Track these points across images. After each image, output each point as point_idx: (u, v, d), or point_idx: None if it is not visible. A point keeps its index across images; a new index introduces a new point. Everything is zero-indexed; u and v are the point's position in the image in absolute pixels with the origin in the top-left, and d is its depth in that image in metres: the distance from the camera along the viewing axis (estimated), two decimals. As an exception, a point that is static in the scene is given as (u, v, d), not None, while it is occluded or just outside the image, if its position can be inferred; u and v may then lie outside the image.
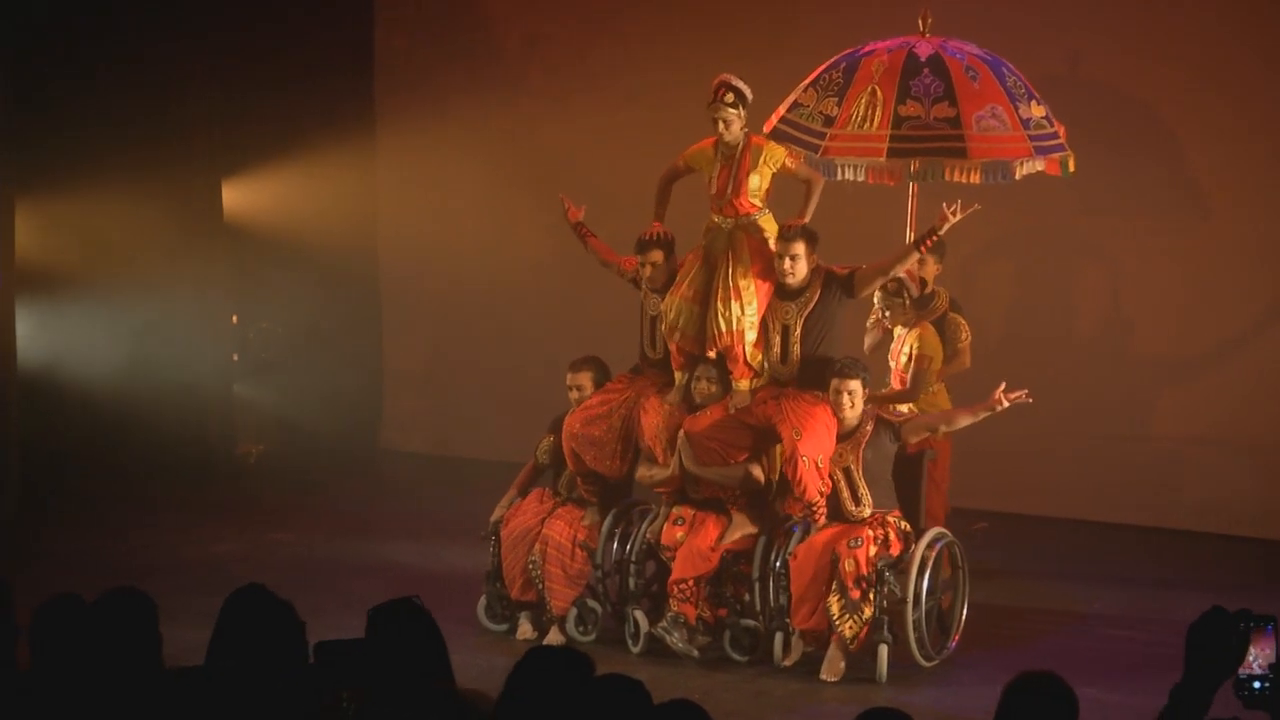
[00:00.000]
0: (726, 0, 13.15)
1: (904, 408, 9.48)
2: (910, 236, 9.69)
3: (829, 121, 9.48)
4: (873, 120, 9.37)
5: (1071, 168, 9.75)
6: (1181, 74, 11.74)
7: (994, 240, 11.84)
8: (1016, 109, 9.45)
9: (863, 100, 9.42)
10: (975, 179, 9.56)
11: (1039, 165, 9.59)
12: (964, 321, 9.94)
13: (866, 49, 9.70)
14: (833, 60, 9.78)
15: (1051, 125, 9.65)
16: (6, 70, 12.13)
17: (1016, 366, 11.01)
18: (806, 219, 9.05)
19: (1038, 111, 9.58)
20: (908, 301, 9.68)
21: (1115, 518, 11.94)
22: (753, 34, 12.68)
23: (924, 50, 9.53)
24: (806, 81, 9.72)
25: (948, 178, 9.61)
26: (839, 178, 9.63)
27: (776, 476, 9.10)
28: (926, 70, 9.41)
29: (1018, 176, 9.59)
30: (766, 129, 9.60)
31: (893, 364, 9.73)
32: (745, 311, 9.07)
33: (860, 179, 9.72)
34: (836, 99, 9.52)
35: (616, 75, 13.60)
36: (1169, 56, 11.78)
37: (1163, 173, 11.87)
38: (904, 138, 9.36)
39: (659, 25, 13.48)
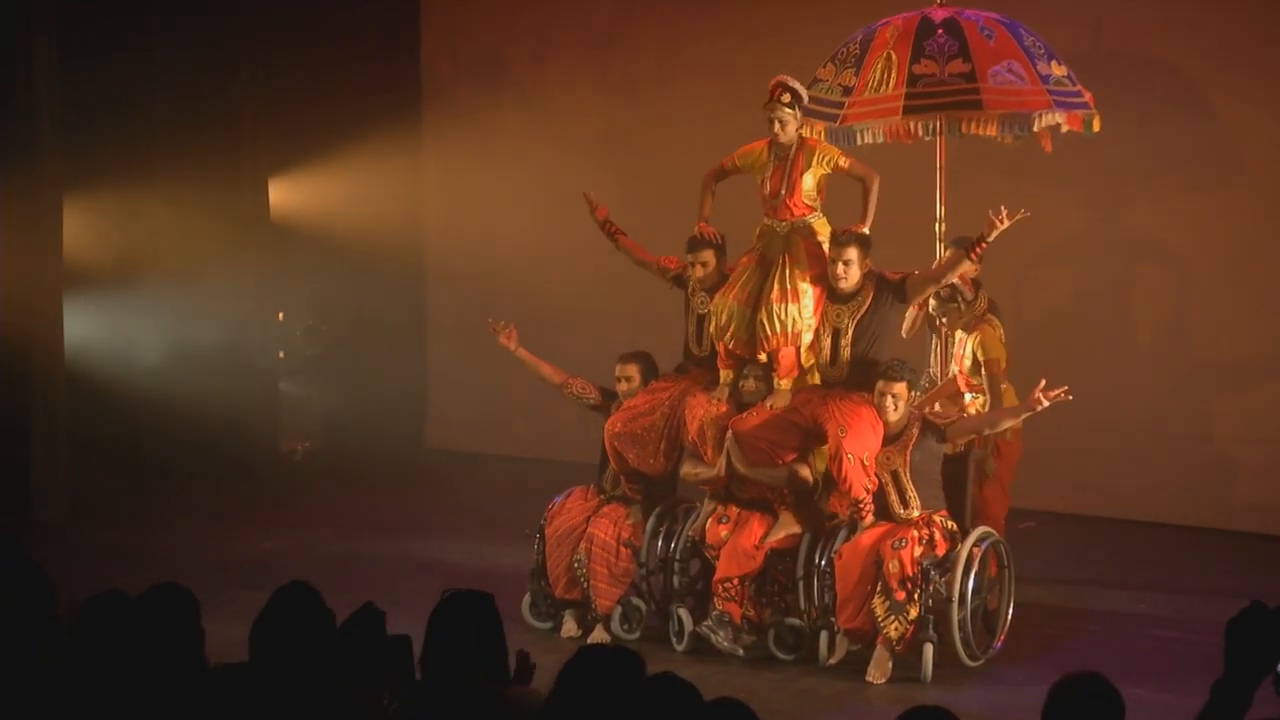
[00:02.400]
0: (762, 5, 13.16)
1: (973, 407, 9.50)
2: (941, 211, 9.62)
3: (847, 91, 9.49)
4: (889, 82, 9.37)
5: (1096, 127, 9.65)
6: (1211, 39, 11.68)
7: (1047, 240, 11.77)
8: (1035, 65, 9.39)
9: (879, 66, 9.42)
10: (992, 130, 9.53)
11: (1059, 118, 9.50)
12: (1000, 324, 9.86)
13: (881, 22, 9.71)
14: (850, 36, 9.76)
15: (1074, 84, 9.57)
16: (56, 70, 12.21)
17: (1067, 366, 10.99)
18: (869, 219, 9.02)
19: (1058, 70, 9.50)
20: (962, 306, 9.68)
21: (1164, 518, 11.88)
22: (797, 39, 12.67)
23: (938, 15, 9.55)
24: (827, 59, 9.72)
25: (964, 131, 9.58)
26: (858, 142, 9.61)
27: (822, 475, 9.08)
28: (941, 30, 9.41)
29: (1036, 129, 9.51)
30: None
31: (955, 368, 9.73)
32: (802, 315, 9.05)
33: (879, 140, 9.71)
34: (854, 69, 9.51)
35: (662, 74, 13.61)
36: (1195, 22, 11.70)
37: (1200, 143, 11.78)
38: (919, 95, 9.33)
39: (696, 25, 13.48)
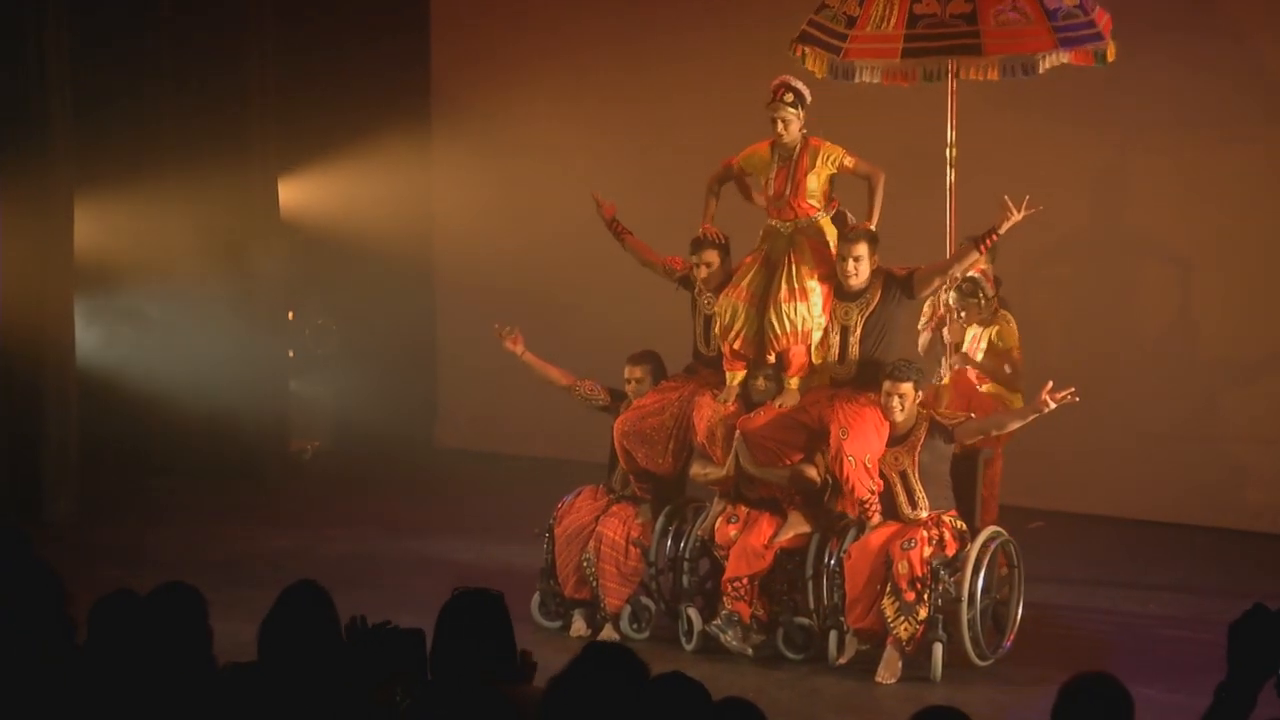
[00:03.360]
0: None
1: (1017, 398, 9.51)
2: (951, 136, 9.52)
3: (851, 22, 9.29)
4: (890, 20, 9.17)
5: (1110, 57, 9.38)
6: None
7: (1053, 235, 11.74)
8: (1043, 0, 9.16)
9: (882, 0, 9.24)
10: (994, 75, 9.37)
11: (1063, 58, 9.29)
12: (1012, 319, 9.84)
13: None
14: None
15: (1086, 14, 9.26)
16: (66, 70, 12.22)
17: (1075, 364, 10.97)
18: (875, 217, 9.01)
19: (1068, 1, 9.24)
20: (983, 301, 9.67)
21: (1174, 518, 11.84)
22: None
23: None
24: None
25: (964, 76, 9.42)
26: (857, 79, 9.47)
27: (830, 476, 9.07)
28: None
29: (1041, 70, 9.34)
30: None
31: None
32: (811, 313, 9.03)
33: (876, 80, 9.61)
34: None
35: (678, 72, 13.57)
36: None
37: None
38: (919, 37, 9.14)
39: (713, 19, 13.46)
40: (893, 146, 10.30)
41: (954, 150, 9.54)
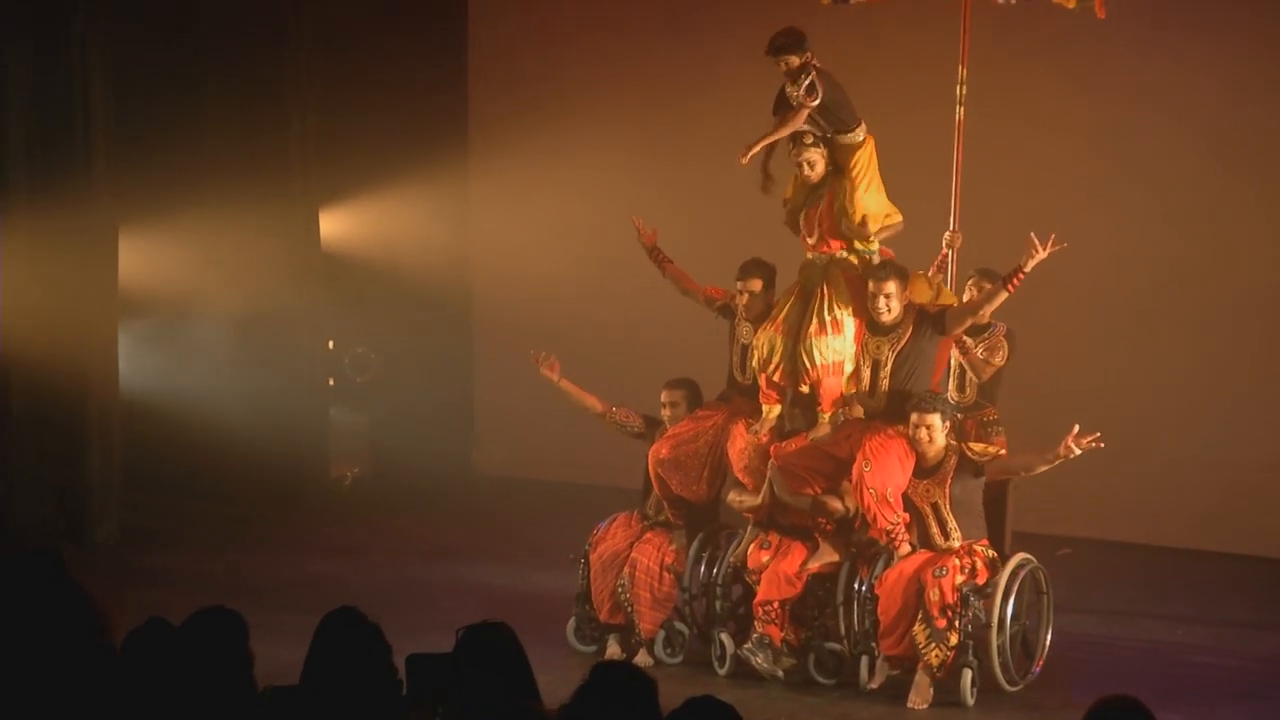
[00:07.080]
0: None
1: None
2: (961, 92, 9.49)
3: None
4: None
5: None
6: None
7: (1075, 262, 11.74)
8: None
9: None
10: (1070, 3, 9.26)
11: None
12: (1006, 350, 9.66)
13: None
14: None
15: None
16: (110, 102, 12.39)
17: (1098, 390, 11.00)
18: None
19: None
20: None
21: (1200, 545, 11.85)
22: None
23: None
24: None
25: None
26: None
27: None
28: None
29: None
30: None
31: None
32: (844, 346, 9.10)
33: None
34: None
35: (712, 103, 13.62)
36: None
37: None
38: None
39: (747, 51, 13.51)
40: (900, 88, 10.09)
41: (964, 88, 9.49)
